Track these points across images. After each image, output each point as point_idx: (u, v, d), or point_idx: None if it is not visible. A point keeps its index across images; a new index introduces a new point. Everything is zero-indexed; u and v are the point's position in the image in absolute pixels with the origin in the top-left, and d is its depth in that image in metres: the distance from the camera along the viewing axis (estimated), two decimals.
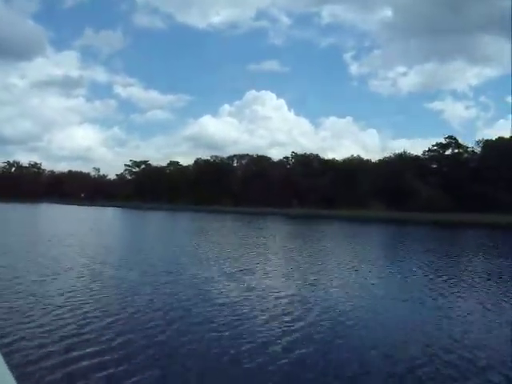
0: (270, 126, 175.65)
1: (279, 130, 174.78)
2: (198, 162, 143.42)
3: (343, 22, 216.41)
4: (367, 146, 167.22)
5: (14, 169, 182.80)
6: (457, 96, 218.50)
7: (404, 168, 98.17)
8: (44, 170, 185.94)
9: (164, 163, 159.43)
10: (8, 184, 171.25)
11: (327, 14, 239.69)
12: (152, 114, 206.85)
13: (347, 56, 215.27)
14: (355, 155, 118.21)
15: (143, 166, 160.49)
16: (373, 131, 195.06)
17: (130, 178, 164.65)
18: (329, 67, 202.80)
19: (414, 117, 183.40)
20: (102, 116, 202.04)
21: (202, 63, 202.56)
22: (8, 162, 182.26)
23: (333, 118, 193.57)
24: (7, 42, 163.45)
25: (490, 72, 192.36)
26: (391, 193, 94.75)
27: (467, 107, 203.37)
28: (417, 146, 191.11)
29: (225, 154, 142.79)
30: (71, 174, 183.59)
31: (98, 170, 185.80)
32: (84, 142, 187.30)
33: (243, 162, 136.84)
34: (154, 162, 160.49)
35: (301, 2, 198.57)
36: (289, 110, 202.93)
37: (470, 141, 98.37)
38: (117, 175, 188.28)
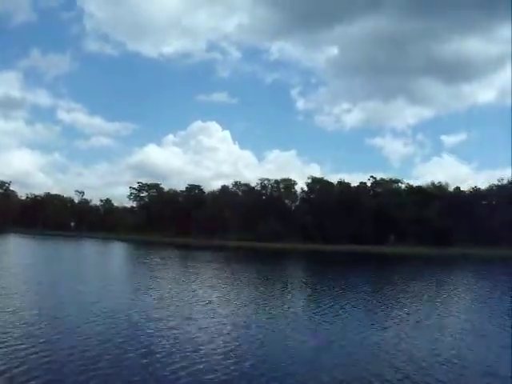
0: (214, 157, 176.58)
1: (224, 162, 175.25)
2: (241, 187, 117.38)
3: (291, 58, 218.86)
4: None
5: None
6: (396, 133, 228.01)
7: None
8: (13, 191, 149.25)
9: (175, 188, 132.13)
10: None
11: (276, 49, 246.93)
12: (96, 140, 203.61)
13: (294, 91, 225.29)
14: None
15: (153, 191, 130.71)
16: (315, 165, 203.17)
17: (132, 204, 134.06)
18: (275, 101, 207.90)
19: (355, 152, 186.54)
20: (42, 140, 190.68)
21: (149, 92, 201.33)
22: None
23: (277, 151, 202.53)
24: None
25: (426, 112, 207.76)
26: None
27: (405, 144, 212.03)
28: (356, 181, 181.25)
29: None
30: (49, 198, 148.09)
31: (81, 193, 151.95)
32: (21, 167, 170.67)
33: (300, 188, 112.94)
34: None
35: (250, 37, 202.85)
36: (233, 141, 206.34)
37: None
38: (101, 201, 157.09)
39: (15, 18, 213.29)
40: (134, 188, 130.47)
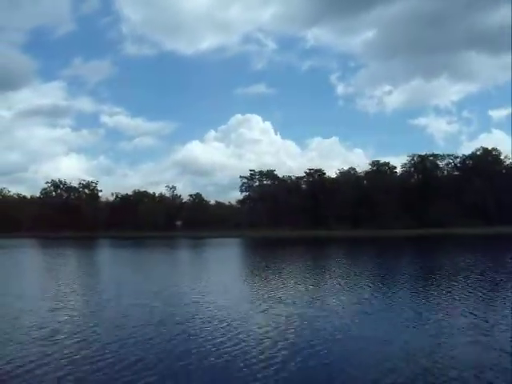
0: (256, 149, 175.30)
1: (266, 153, 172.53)
2: (381, 168, 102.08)
3: (327, 44, 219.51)
4: (354, 165, 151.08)
5: (59, 190, 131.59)
6: (440, 112, 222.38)
7: None
8: (100, 190, 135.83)
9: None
10: (57, 213, 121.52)
11: (312, 36, 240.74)
12: (139, 141, 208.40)
13: (333, 77, 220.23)
14: None
15: (266, 179, 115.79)
16: (359, 151, 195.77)
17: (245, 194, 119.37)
18: (315, 88, 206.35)
19: (398, 134, 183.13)
20: (88, 145, 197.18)
21: (188, 89, 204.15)
22: (53, 182, 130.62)
23: (319, 139, 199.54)
24: None
25: (471, 87, 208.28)
26: None
27: (450, 122, 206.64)
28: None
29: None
30: (139, 196, 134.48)
31: (172, 188, 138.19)
32: (70, 172, 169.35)
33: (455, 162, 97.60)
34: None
35: (286, 26, 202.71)
36: (275, 132, 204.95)
37: None
38: (191, 196, 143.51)
39: (58, 30, 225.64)
40: (244, 177, 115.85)
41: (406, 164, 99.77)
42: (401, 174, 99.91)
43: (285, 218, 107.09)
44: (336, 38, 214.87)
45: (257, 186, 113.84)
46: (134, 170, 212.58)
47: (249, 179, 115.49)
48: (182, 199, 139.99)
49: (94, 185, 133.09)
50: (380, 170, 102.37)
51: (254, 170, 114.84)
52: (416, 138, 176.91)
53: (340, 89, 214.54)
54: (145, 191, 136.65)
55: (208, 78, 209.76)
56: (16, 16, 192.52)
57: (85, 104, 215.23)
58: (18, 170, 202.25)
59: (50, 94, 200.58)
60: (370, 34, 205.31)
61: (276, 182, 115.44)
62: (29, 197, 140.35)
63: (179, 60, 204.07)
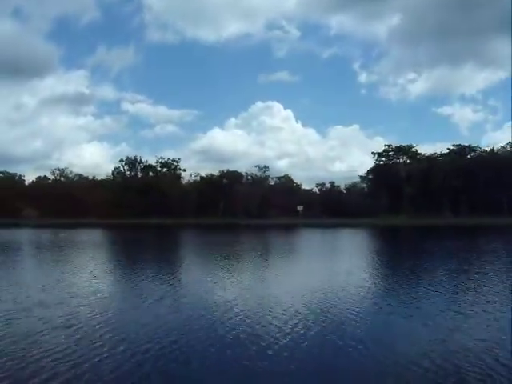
0: (277, 137, 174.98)
1: (287, 141, 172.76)
2: None
3: (351, 31, 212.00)
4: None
5: (134, 171, 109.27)
6: (465, 100, 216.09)
7: None
8: (183, 170, 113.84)
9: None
10: (135, 196, 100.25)
11: (335, 23, 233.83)
12: (160, 128, 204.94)
13: (356, 65, 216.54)
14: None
15: (401, 156, 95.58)
16: (379, 139, 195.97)
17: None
18: (337, 76, 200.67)
19: (422, 122, 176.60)
20: (110, 133, 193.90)
21: (210, 76, 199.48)
22: (127, 160, 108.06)
23: (339, 127, 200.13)
24: (19, 61, 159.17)
25: (498, 75, 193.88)
26: None
27: (475, 111, 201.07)
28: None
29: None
30: (230, 176, 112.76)
31: (263, 168, 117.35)
32: (92, 159, 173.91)
33: None
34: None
35: (310, 13, 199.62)
36: (296, 120, 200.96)
37: None
38: (278, 178, 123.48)
39: (82, 18, 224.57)
40: (377, 153, 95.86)
41: None
42: None
43: (438, 202, 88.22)
44: (360, 25, 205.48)
45: (398, 163, 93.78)
46: (156, 158, 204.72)
47: (381, 155, 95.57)
48: (276, 181, 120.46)
49: (175, 163, 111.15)
50: None
51: (389, 145, 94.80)
52: (439, 127, 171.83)
53: (363, 77, 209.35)
54: (235, 171, 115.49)
55: (230, 65, 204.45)
56: (41, 4, 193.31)
57: (107, 92, 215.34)
58: (41, 157, 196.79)
59: (73, 81, 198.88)
60: (394, 20, 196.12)
61: (410, 161, 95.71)
62: (91, 177, 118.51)
63: (202, 47, 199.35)
